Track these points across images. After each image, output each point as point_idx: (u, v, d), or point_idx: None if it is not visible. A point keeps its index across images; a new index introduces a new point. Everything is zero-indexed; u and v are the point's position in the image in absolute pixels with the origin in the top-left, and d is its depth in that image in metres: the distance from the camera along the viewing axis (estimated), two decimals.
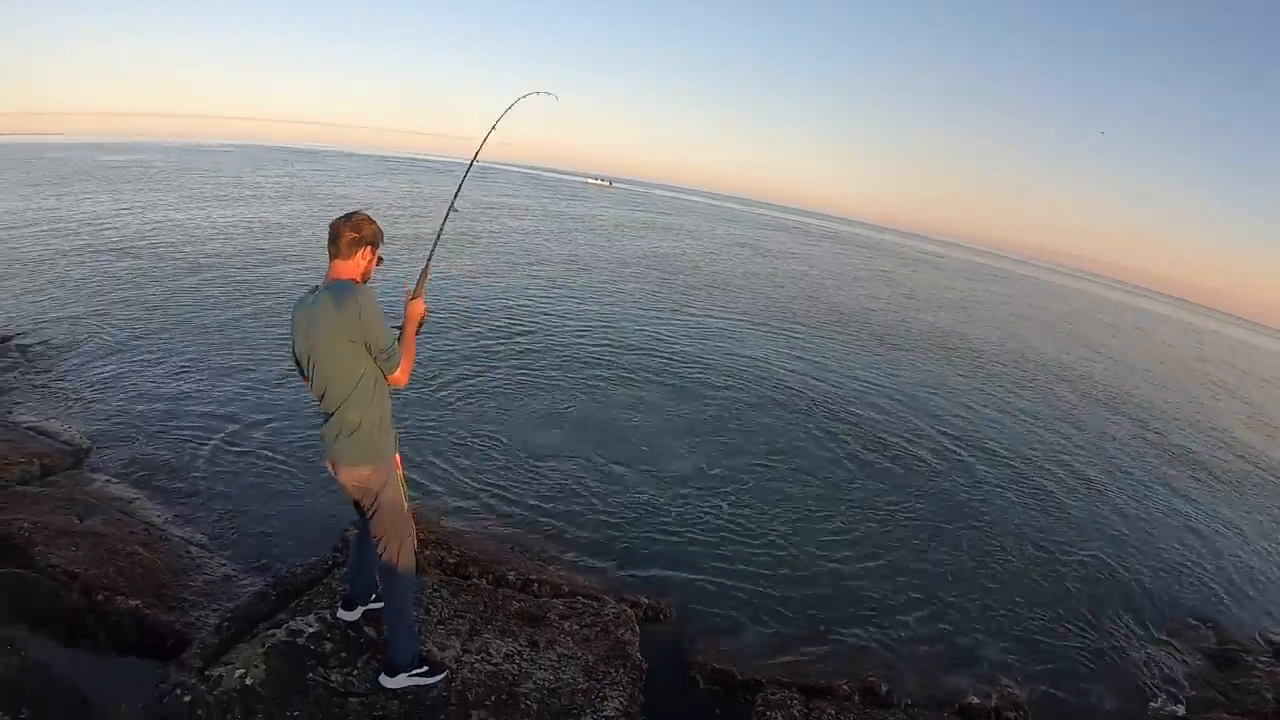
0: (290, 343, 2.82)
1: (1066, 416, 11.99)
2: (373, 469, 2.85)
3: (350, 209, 2.88)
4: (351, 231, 2.70)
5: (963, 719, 3.98)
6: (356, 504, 3.00)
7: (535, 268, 17.40)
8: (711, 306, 15.72)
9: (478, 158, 3.93)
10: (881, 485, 7.38)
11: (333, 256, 2.72)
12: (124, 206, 20.37)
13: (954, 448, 9.02)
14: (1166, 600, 6.24)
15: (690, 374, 10.19)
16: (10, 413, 6.19)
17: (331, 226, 2.72)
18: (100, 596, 3.76)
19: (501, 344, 10.31)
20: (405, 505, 2.99)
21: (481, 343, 10.24)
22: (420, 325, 3.00)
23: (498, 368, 9.23)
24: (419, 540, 3.29)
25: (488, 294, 13.47)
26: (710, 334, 13.00)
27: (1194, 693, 4.99)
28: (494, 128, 3.96)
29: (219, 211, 21.20)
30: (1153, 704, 4.78)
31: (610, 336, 11.69)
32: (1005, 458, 9.05)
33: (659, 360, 10.62)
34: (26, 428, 5.88)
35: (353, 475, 2.85)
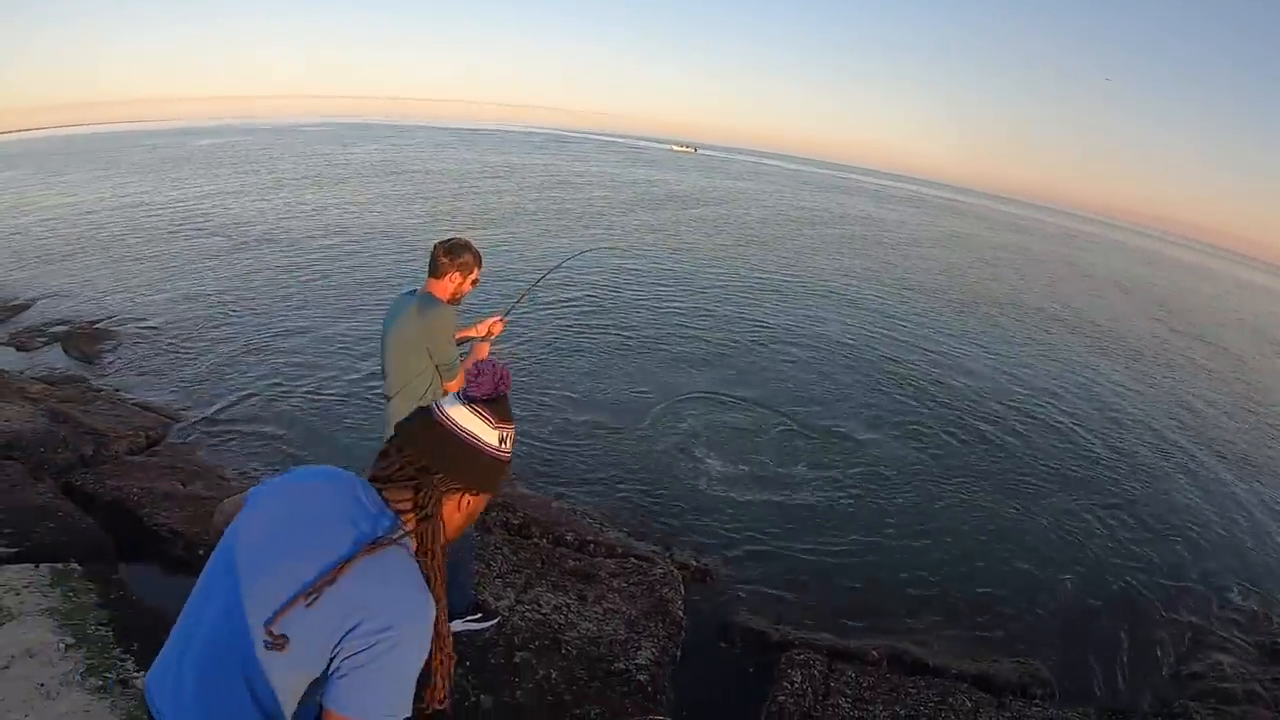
0: (382, 330, 3.20)
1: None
2: None
3: (454, 232, 3.29)
4: (444, 257, 3.04)
5: (986, 690, 4.07)
6: None
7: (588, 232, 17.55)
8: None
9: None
10: (951, 463, 7.54)
11: (429, 274, 3.09)
12: (220, 189, 21.66)
13: (1035, 422, 9.18)
14: (1217, 592, 6.14)
15: (794, 354, 10.48)
16: (118, 390, 6.86)
17: (434, 248, 3.09)
18: (201, 551, 4.25)
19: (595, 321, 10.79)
20: None
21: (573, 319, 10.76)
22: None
23: (585, 344, 9.71)
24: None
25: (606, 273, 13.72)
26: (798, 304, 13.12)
27: (1235, 684, 4.85)
28: (548, 272, 4.53)
29: (311, 192, 22.16)
30: (1185, 693, 4.73)
31: (708, 318, 11.93)
32: (1076, 430, 9.08)
33: (751, 344, 10.82)
34: (133, 404, 6.52)
35: None
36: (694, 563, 4.86)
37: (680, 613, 4.13)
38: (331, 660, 1.16)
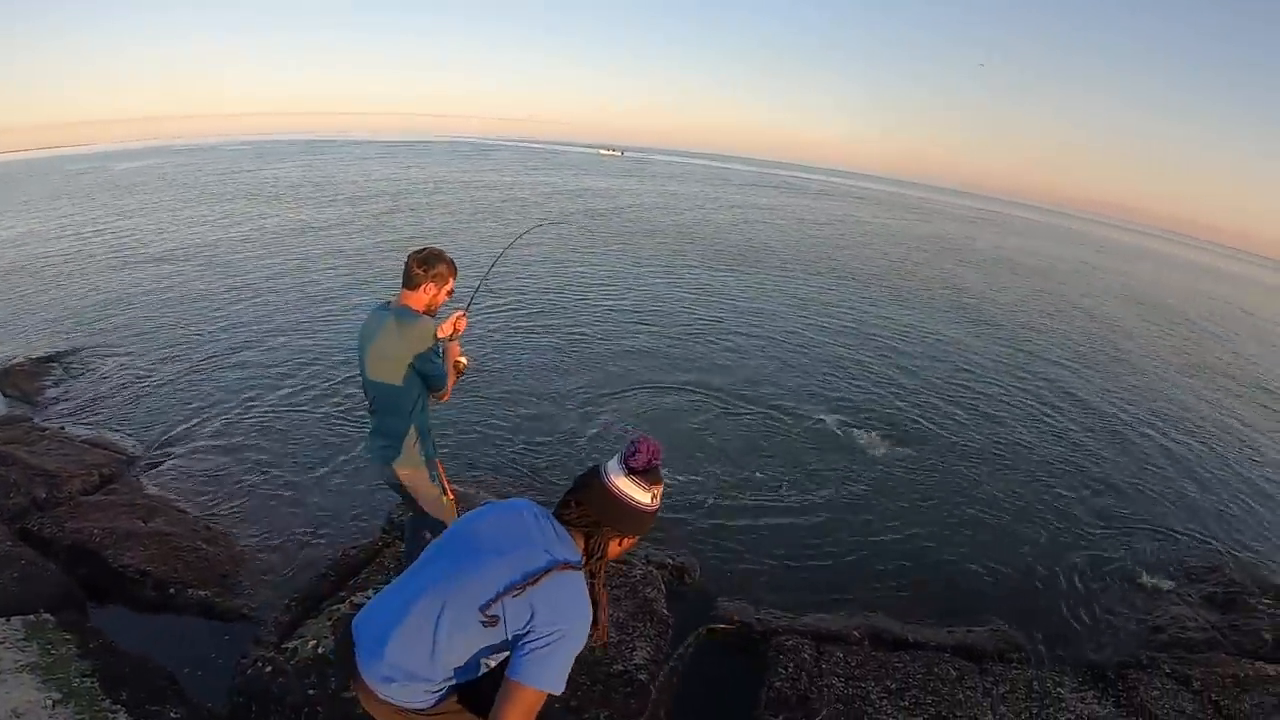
0: (358, 347, 3.16)
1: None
2: (413, 471, 3.21)
3: (426, 243, 3.27)
4: (418, 267, 3.02)
5: (968, 659, 4.22)
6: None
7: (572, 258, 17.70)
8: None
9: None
10: (904, 442, 7.75)
11: (403, 285, 3.06)
12: (150, 212, 20.92)
13: (993, 407, 9.40)
14: (1170, 547, 6.50)
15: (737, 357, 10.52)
16: (64, 428, 6.59)
17: (407, 260, 3.06)
18: (172, 590, 4.16)
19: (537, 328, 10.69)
20: (446, 500, 3.35)
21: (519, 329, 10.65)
22: (460, 370, 3.36)
23: (536, 350, 9.70)
24: None
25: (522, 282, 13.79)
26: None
27: (1194, 634, 5.13)
28: (502, 254, 4.60)
29: (242, 211, 21.57)
30: (1150, 645, 4.97)
31: (656, 317, 12.08)
32: (1012, 407, 9.38)
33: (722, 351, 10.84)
34: (82, 440, 6.27)
35: (391, 475, 3.22)
36: (670, 561, 4.90)
37: (665, 611, 4.18)
38: (516, 639, 1.71)
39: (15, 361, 8.16)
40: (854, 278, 18.21)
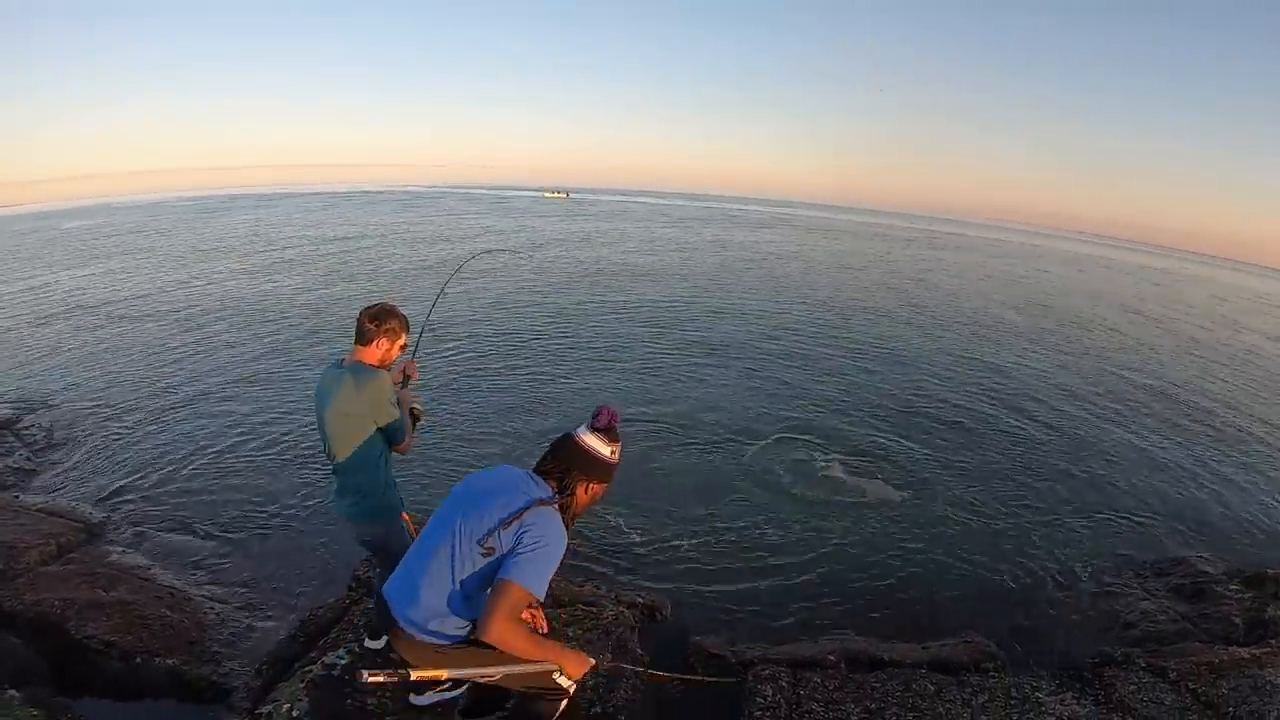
0: (316, 408, 3.13)
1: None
2: (379, 526, 3.21)
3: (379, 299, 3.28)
4: (370, 323, 3.04)
5: (944, 672, 4.24)
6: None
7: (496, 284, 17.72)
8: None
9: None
10: (861, 472, 7.75)
11: (356, 341, 3.07)
12: (102, 271, 20.48)
13: (921, 417, 9.51)
14: (1135, 543, 6.64)
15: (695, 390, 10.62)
16: (17, 497, 6.41)
17: (359, 316, 3.07)
18: (138, 659, 4.06)
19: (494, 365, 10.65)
20: None
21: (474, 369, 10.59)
22: (416, 418, 3.37)
23: (494, 392, 9.66)
24: None
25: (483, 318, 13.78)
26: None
27: (1166, 626, 5.24)
28: (447, 283, 4.90)
29: (193, 267, 21.24)
30: (1123, 641, 5.05)
31: (609, 352, 12.06)
32: (958, 416, 9.54)
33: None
34: (36, 509, 6.09)
35: (362, 531, 3.22)
36: (640, 600, 4.87)
37: (639, 650, 4.18)
38: (508, 553, 2.18)
39: None
40: (796, 301, 18.60)
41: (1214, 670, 4.29)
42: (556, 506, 2.31)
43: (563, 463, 2.40)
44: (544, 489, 2.34)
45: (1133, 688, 4.10)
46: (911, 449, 8.31)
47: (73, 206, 69.58)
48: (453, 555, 2.22)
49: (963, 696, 3.97)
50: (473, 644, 2.25)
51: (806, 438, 8.46)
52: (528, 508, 2.21)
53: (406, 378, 3.44)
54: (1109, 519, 7.02)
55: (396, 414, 3.10)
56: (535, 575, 2.14)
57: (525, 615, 2.45)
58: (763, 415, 9.19)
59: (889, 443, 8.46)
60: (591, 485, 2.42)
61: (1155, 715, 3.87)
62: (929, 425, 9.19)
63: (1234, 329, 23.21)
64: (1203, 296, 36.97)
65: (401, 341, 3.15)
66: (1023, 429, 9.42)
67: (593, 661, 2.49)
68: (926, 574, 5.83)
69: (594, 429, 2.45)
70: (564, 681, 2.44)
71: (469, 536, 2.21)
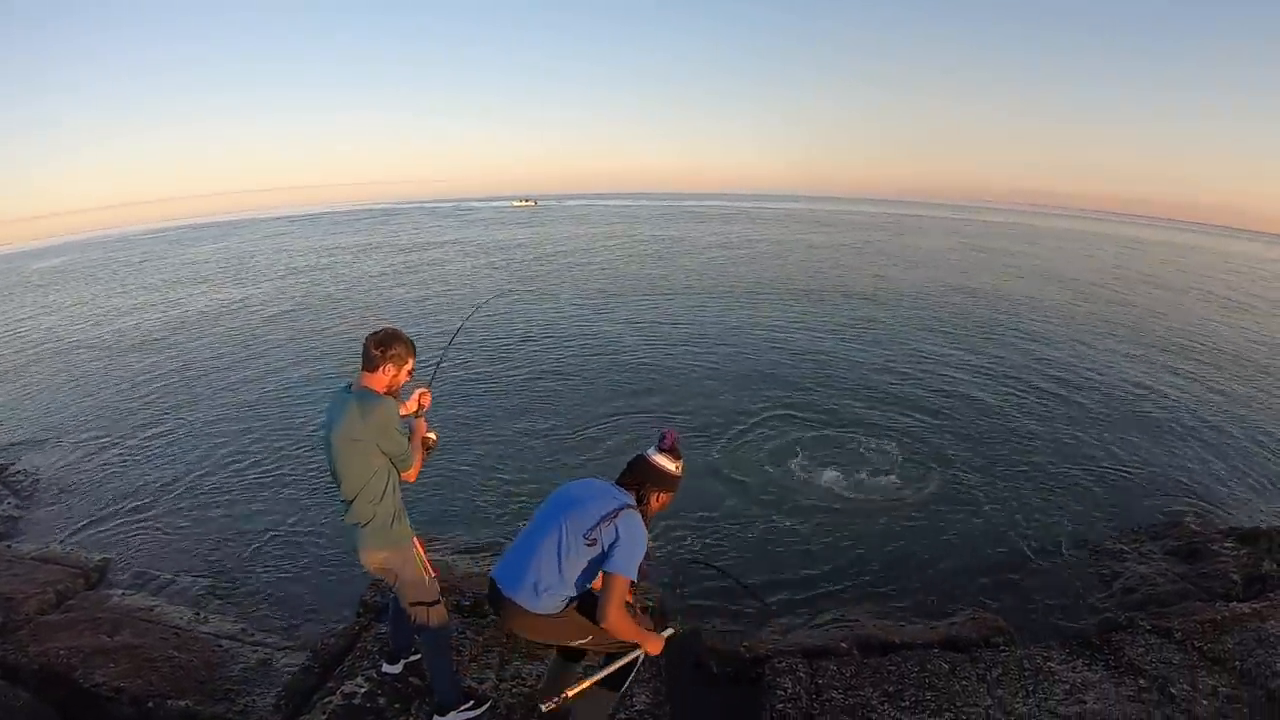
0: (324, 435, 3.10)
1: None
2: (389, 553, 3.17)
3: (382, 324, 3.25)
4: (375, 349, 3.00)
5: (957, 650, 4.28)
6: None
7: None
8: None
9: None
10: (849, 446, 7.85)
11: (363, 367, 3.04)
12: (75, 307, 20.40)
13: (918, 398, 9.61)
14: (1129, 509, 6.74)
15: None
16: (10, 546, 6.32)
17: (365, 341, 3.04)
18: (150, 704, 3.99)
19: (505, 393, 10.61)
20: (428, 578, 3.30)
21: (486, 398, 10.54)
22: (430, 446, 3.37)
23: (499, 411, 9.54)
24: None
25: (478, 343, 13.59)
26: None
27: (1166, 588, 5.32)
28: (460, 328, 4.78)
29: (173, 297, 21.15)
30: (1126, 605, 5.15)
31: (602, 356, 12.10)
32: (944, 396, 9.63)
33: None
34: (30, 558, 6.01)
35: (373, 559, 3.17)
36: (649, 603, 4.88)
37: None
38: (607, 549, 2.68)
39: None
40: (771, 291, 18.82)
41: (1217, 627, 4.35)
42: (639, 511, 2.80)
43: (638, 477, 2.89)
44: (628, 496, 2.84)
45: (1141, 650, 4.16)
46: (903, 436, 8.38)
47: (39, 246, 68.52)
48: (559, 544, 2.71)
49: (977, 672, 4.01)
50: (569, 615, 2.79)
51: (800, 417, 8.63)
52: (620, 510, 2.72)
53: (420, 406, 3.41)
54: (1098, 487, 7.13)
55: (403, 441, 3.08)
56: (630, 565, 2.67)
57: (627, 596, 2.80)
58: (754, 400, 9.29)
59: (879, 422, 8.54)
60: (661, 495, 2.91)
61: (1166, 675, 3.92)
62: (916, 405, 9.28)
63: (1201, 292, 23.62)
64: (1155, 261, 37.66)
65: (408, 366, 3.11)
66: (1004, 404, 9.55)
67: (664, 640, 2.97)
68: (928, 555, 5.90)
69: (661, 450, 2.92)
70: (638, 652, 2.94)
71: (575, 530, 2.70)
